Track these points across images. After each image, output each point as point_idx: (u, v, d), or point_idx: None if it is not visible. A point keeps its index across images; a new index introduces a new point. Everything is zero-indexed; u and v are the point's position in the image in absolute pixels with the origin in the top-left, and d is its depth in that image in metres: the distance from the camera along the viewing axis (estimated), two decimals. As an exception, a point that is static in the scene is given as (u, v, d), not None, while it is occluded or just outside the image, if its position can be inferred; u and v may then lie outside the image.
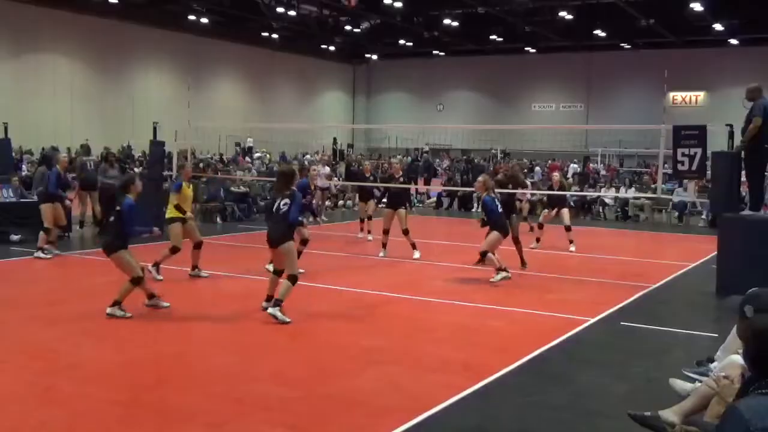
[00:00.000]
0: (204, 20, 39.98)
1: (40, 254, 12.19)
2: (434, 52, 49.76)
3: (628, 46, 45.49)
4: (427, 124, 48.86)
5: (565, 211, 14.96)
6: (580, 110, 48.57)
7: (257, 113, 45.55)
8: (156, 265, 10.53)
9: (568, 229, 14.62)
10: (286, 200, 8.29)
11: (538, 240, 14.87)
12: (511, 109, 49.20)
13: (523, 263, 12.27)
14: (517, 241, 12.34)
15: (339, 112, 55.13)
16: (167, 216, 10.90)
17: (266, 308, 8.25)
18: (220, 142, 37.87)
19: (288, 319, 8.06)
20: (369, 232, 15.78)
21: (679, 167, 11.15)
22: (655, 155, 39.43)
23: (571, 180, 23.67)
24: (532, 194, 18.79)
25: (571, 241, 14.57)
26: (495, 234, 10.97)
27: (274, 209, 8.44)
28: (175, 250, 10.58)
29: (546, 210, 15.27)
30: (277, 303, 8.10)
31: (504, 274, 10.77)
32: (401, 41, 47.10)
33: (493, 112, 49.08)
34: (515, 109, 49.29)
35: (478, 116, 49.27)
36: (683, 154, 11.02)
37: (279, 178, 8.78)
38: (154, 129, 15.98)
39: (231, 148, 40.19)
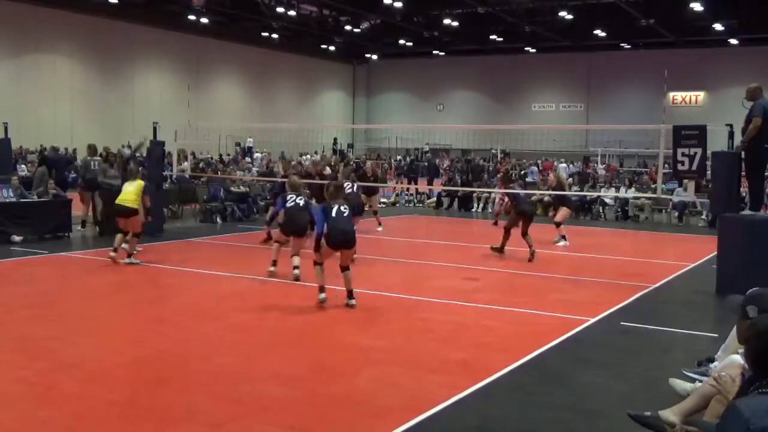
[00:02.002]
0: (204, 20, 39.97)
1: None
2: (434, 51, 49.77)
3: (628, 46, 45.52)
4: (427, 124, 48.90)
5: (563, 210, 15.48)
6: (580, 110, 48.60)
7: (257, 113, 45.58)
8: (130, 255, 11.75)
9: (557, 225, 15.29)
10: (346, 206, 9.12)
11: (564, 237, 15.44)
12: (511, 109, 49.23)
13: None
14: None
15: (339, 112, 55.15)
16: (134, 206, 11.88)
17: (346, 303, 8.99)
18: (220, 142, 37.89)
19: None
20: (380, 223, 17.32)
21: (679, 167, 11.13)
22: (655, 155, 39.57)
23: (571, 180, 23.66)
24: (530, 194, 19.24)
25: (563, 236, 15.22)
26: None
27: (335, 213, 8.93)
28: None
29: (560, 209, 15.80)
30: (353, 294, 8.97)
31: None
32: (401, 41, 47.11)
33: (493, 112, 49.10)
34: (515, 109, 49.32)
35: (478, 116, 49.29)
36: (683, 154, 11.00)
37: (338, 188, 9.53)
38: (154, 129, 15.98)
39: (231, 148, 40.22)
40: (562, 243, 15.21)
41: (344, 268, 8.97)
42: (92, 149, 16.35)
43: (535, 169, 30.42)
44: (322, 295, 8.97)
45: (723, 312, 9.18)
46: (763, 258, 9.59)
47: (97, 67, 38.19)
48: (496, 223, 19.26)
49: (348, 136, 52.33)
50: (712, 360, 6.08)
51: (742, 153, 10.39)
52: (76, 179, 20.32)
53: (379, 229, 16.96)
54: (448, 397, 5.81)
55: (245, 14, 39.48)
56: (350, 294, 8.94)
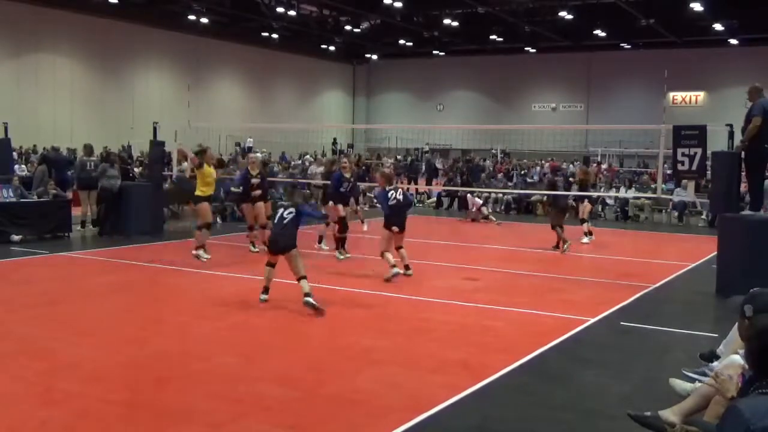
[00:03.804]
0: (204, 20, 39.97)
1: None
2: (434, 52, 49.76)
3: (628, 46, 45.51)
4: (427, 124, 48.87)
5: (587, 205, 16.35)
6: (580, 110, 48.58)
7: (257, 113, 45.57)
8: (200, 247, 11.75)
9: (582, 221, 16.15)
10: (291, 210, 8.91)
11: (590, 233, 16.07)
12: (511, 109, 49.21)
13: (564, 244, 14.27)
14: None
15: (339, 112, 55.13)
16: (197, 192, 11.96)
17: (266, 300, 9.02)
18: (219, 142, 37.84)
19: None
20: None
21: (679, 167, 11.14)
22: (655, 155, 39.42)
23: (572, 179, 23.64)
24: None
25: (586, 233, 15.91)
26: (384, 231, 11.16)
27: (277, 218, 8.98)
28: (209, 225, 11.86)
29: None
30: (309, 294, 8.67)
31: (395, 270, 10.78)
32: (401, 41, 47.11)
33: (493, 112, 49.09)
34: (515, 109, 49.30)
35: (478, 116, 49.28)
36: (683, 154, 11.01)
37: (290, 190, 9.61)
38: (154, 129, 15.95)
39: (231, 147, 40.19)
40: (586, 239, 15.77)
41: (297, 279, 8.75)
42: (88, 149, 16.26)
43: (538, 169, 30.29)
44: (263, 296, 9.04)
45: (723, 312, 9.17)
46: (763, 258, 9.60)
47: (97, 67, 38.19)
48: (472, 220, 20.25)
49: (348, 136, 52.31)
50: (715, 355, 6.10)
51: (742, 153, 10.39)
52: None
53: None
54: (448, 397, 5.81)
55: (245, 14, 39.48)
56: (267, 291, 9.04)
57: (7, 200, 14.08)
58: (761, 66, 36.78)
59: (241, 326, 8.10)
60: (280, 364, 6.73)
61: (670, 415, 4.68)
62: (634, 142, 38.69)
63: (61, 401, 5.65)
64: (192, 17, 39.52)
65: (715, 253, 10.77)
